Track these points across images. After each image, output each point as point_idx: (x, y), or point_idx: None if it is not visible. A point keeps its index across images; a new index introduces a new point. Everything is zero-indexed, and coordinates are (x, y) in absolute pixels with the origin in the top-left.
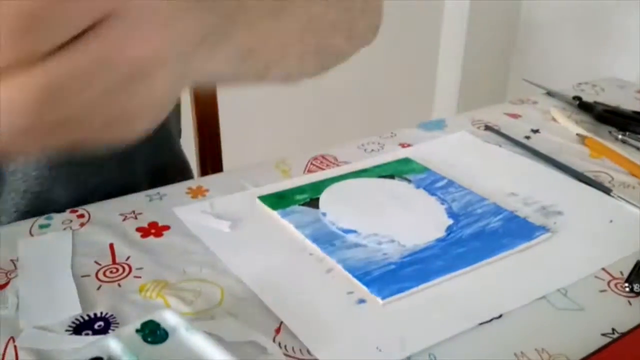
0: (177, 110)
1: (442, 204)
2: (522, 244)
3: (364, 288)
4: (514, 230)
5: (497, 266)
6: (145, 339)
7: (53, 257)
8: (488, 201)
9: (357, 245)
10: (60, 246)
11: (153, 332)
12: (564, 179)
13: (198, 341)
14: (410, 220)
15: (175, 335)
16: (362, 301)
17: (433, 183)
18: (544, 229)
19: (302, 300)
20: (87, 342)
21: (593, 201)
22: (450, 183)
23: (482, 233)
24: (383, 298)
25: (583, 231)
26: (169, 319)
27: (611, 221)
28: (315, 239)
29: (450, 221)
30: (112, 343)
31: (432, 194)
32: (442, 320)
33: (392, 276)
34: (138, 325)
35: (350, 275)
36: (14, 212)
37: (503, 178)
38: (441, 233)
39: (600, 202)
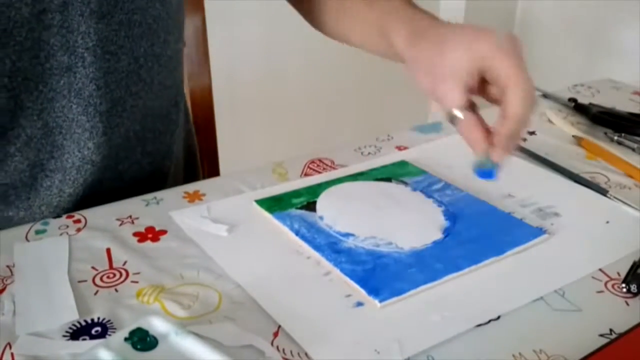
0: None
1: (439, 206)
2: (519, 245)
3: (362, 291)
4: (511, 231)
5: (495, 268)
6: (135, 347)
7: (49, 262)
8: (485, 203)
9: (354, 248)
10: (56, 251)
11: (142, 340)
12: (561, 180)
13: (189, 345)
14: (407, 223)
15: (165, 341)
16: (359, 304)
17: (430, 185)
18: (541, 230)
19: (300, 304)
20: (79, 353)
21: (589, 202)
22: (447, 185)
23: (479, 235)
24: (381, 301)
25: (580, 232)
26: (157, 325)
27: (608, 222)
28: (313, 243)
29: (448, 223)
30: (102, 354)
31: (429, 197)
32: (440, 323)
33: (390, 279)
34: (126, 334)
35: (347, 279)
36: None
37: (499, 180)
38: (438, 235)
39: (596, 203)
